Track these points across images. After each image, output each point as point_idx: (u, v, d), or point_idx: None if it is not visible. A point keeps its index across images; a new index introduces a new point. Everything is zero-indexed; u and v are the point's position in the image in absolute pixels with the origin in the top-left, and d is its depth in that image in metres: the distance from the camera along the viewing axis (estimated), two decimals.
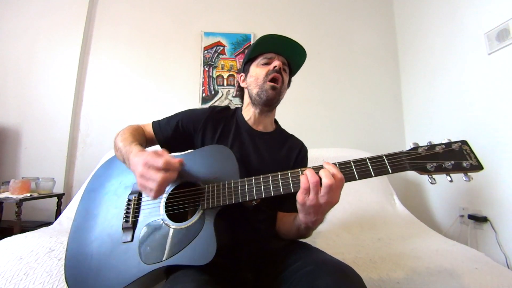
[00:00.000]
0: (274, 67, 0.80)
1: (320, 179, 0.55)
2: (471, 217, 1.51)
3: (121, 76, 2.14)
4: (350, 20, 2.36)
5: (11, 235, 1.06)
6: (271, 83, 0.80)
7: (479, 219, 1.45)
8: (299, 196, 0.57)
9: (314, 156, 1.72)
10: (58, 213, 1.76)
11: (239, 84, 0.92)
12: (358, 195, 1.59)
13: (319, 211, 0.58)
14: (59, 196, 1.80)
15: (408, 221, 1.47)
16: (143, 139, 0.81)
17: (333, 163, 0.58)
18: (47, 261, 0.85)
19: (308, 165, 0.89)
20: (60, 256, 0.88)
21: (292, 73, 0.91)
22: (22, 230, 1.32)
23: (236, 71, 2.19)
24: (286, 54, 0.85)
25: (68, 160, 1.98)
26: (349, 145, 2.05)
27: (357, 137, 2.17)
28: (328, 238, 1.21)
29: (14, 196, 1.51)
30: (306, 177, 0.56)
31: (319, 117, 2.21)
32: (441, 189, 1.81)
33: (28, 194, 1.58)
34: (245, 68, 0.89)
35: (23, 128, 1.99)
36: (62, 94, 2.04)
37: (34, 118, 2.00)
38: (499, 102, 1.40)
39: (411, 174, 2.08)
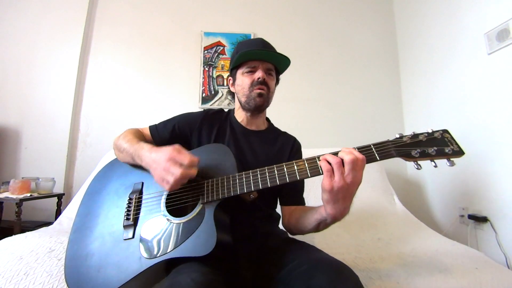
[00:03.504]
0: (258, 78, 0.82)
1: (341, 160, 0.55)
2: (471, 217, 1.51)
3: (121, 76, 2.14)
4: (350, 20, 2.36)
5: (11, 235, 1.06)
6: (258, 90, 0.82)
7: (479, 219, 1.45)
8: (325, 182, 0.56)
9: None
10: (58, 213, 1.76)
11: (229, 88, 0.94)
12: (357, 194, 1.57)
13: (347, 194, 0.57)
14: (59, 196, 1.80)
15: (408, 221, 1.47)
16: (145, 140, 0.82)
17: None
18: (47, 261, 0.84)
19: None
20: (60, 256, 0.88)
21: (279, 72, 0.91)
22: (22, 230, 1.32)
23: None
24: (269, 61, 0.85)
25: (68, 160, 1.98)
26: (349, 145, 2.03)
27: (357, 137, 2.17)
28: (328, 238, 1.20)
29: (14, 196, 1.51)
30: (326, 160, 0.57)
31: (319, 117, 2.21)
32: (441, 189, 1.81)
33: (28, 194, 1.58)
34: (232, 73, 0.90)
35: (23, 128, 1.99)
36: (62, 94, 2.04)
37: (34, 118, 2.00)
38: (499, 102, 1.40)
39: (411, 174, 2.10)
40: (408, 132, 0.61)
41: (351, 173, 0.55)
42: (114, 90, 2.12)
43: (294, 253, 0.66)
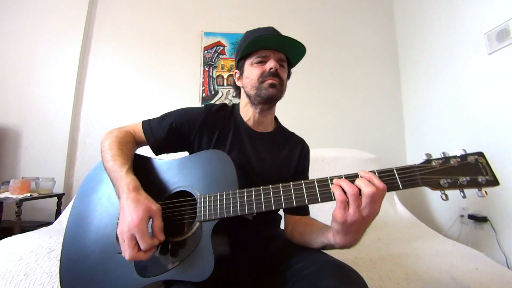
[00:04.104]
0: (270, 69, 0.72)
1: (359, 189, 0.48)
2: (471, 217, 1.51)
3: (121, 76, 2.14)
4: (351, 21, 2.36)
5: (11, 235, 1.06)
6: (270, 81, 0.72)
7: (479, 219, 1.45)
8: (338, 214, 0.49)
9: (314, 156, 1.70)
10: (58, 213, 1.76)
11: (235, 81, 0.84)
12: None
13: (361, 227, 0.51)
14: (59, 196, 1.80)
15: (408, 221, 1.47)
16: (133, 149, 0.75)
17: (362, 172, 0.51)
18: (47, 262, 0.85)
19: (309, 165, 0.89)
20: None
21: (291, 65, 0.82)
22: (22, 230, 1.32)
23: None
24: (283, 50, 0.76)
25: (68, 160, 1.98)
26: (349, 145, 2.05)
27: (357, 137, 2.17)
28: None
29: (14, 196, 1.51)
30: (340, 189, 0.49)
31: (319, 117, 2.21)
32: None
33: (28, 194, 1.58)
34: (239, 65, 0.81)
35: (23, 128, 1.99)
36: (62, 94, 2.04)
37: (34, 118, 2.00)
38: (499, 102, 1.40)
39: None
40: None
41: (368, 207, 0.48)
42: (114, 90, 2.12)
43: (300, 255, 0.64)
